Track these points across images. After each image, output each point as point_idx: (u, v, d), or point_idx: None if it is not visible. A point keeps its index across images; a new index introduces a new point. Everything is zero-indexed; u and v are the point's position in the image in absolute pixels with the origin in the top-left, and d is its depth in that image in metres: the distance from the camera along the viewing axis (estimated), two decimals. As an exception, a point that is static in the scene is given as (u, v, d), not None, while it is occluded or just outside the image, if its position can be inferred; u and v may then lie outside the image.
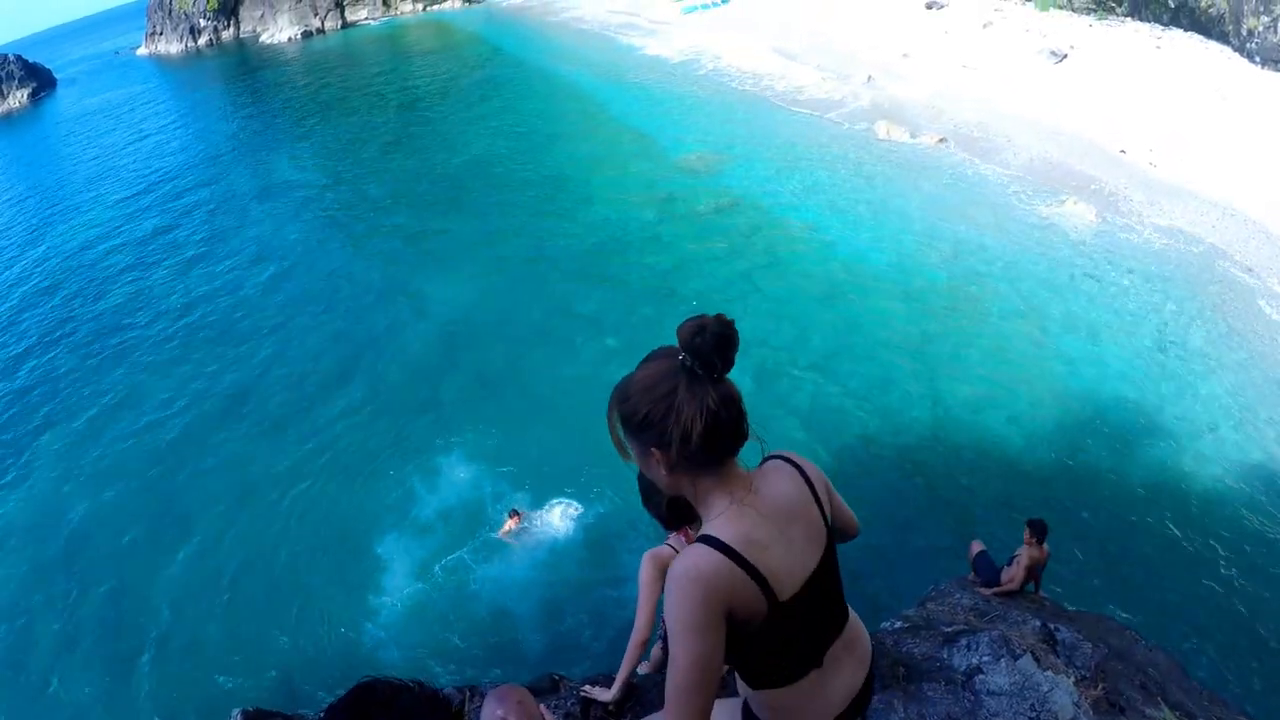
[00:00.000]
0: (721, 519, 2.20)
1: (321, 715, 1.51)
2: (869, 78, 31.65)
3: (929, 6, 36.30)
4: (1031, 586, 9.18)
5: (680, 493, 2.30)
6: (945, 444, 15.80)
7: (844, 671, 2.53)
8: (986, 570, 9.31)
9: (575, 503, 15.80)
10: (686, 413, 2.15)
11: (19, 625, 16.95)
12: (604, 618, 13.41)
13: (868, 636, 2.69)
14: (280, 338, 24.75)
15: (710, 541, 2.14)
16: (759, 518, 2.21)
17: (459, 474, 17.51)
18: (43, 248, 37.46)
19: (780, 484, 2.35)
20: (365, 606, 14.82)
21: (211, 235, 33.68)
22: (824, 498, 2.44)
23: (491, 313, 23.27)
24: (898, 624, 7.48)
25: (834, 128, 28.93)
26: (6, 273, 35.51)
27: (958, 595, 8.59)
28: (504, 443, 18.07)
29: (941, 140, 26.40)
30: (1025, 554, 8.96)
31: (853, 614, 2.63)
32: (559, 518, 15.60)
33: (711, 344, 2.20)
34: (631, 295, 22.50)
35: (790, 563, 2.24)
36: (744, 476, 2.29)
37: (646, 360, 2.32)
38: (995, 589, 8.85)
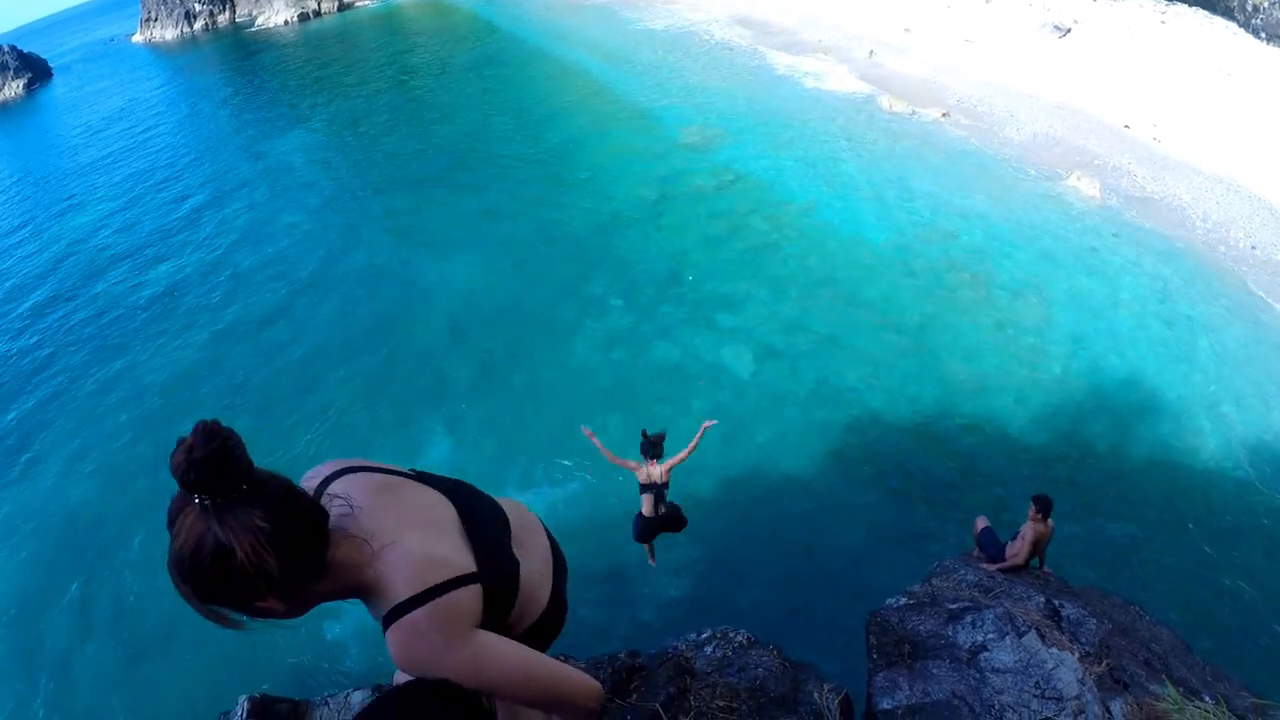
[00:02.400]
0: (398, 573, 2.02)
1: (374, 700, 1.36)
2: (871, 52, 31.48)
3: (930, -20, 36.03)
4: (1036, 562, 9.18)
5: (332, 600, 2.10)
6: (948, 422, 15.78)
7: (532, 550, 2.65)
8: (991, 545, 9.33)
9: (568, 491, 15.91)
10: (245, 553, 1.83)
11: (29, 611, 17.11)
12: (591, 605, 13.45)
13: (518, 504, 2.77)
14: (281, 320, 24.76)
15: (406, 608, 1.99)
16: (409, 541, 2.08)
17: (457, 458, 17.60)
18: (41, 238, 37.42)
19: (378, 495, 2.20)
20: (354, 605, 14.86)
21: (211, 221, 33.60)
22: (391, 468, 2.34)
23: (494, 294, 23.20)
24: (902, 600, 7.49)
25: (836, 102, 28.75)
26: (4, 262, 35.52)
27: (962, 571, 8.60)
28: (505, 428, 18.15)
29: (944, 114, 26.26)
30: (1030, 529, 8.96)
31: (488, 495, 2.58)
32: (552, 505, 15.56)
33: (205, 472, 1.85)
34: (634, 275, 22.42)
35: (453, 539, 2.19)
36: (358, 535, 2.07)
37: (171, 524, 1.95)
38: (999, 564, 8.87)
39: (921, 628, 6.21)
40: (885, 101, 27.33)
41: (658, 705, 5.28)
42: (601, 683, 5.88)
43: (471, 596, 2.07)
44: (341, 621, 14.25)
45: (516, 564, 2.39)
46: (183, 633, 15.34)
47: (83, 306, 29.09)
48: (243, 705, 6.20)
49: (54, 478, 20.79)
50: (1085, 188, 21.43)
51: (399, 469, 2.36)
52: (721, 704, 5.39)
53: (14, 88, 79.23)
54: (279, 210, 32.89)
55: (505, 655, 2.10)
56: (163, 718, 14.13)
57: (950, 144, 24.63)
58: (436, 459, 17.77)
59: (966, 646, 5.70)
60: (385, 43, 56.34)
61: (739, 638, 6.47)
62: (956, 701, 5.22)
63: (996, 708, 5.20)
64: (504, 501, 2.63)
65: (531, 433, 17.86)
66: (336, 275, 26.58)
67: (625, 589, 13.73)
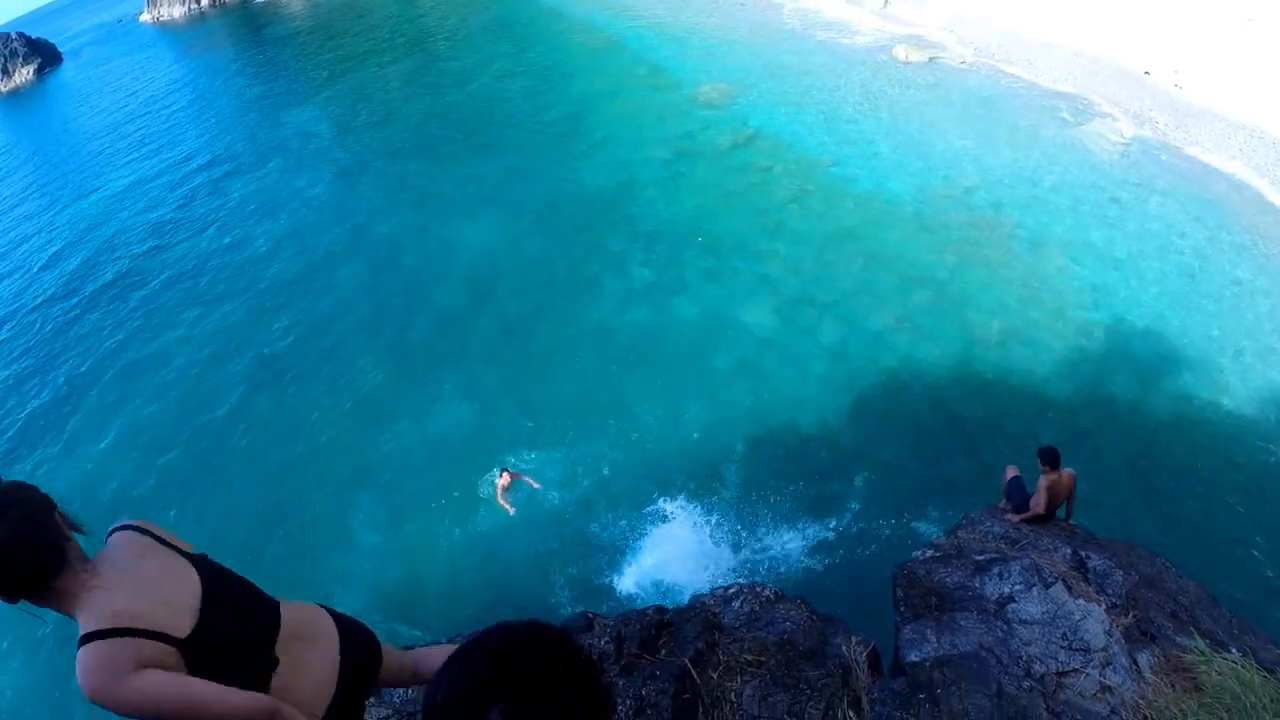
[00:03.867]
0: (91, 610, 2.35)
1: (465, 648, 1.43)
2: (885, 3, 30.98)
3: (945, -73, 35.36)
4: (1063, 513, 9.19)
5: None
6: (973, 376, 15.73)
7: (307, 659, 2.82)
8: (1018, 495, 9.36)
9: (585, 451, 15.93)
10: None
11: None
12: (579, 582, 13.56)
13: (327, 619, 3.00)
14: (301, 286, 25.00)
15: (90, 639, 2.31)
16: (119, 591, 2.41)
17: (475, 418, 17.77)
18: (60, 220, 37.63)
19: (128, 550, 2.53)
20: (352, 553, 15.25)
21: (229, 194, 33.71)
22: (174, 542, 2.67)
23: (513, 256, 23.27)
24: (929, 553, 7.56)
25: (851, 53, 28.47)
26: (23, 247, 35.82)
27: (989, 523, 8.63)
28: (524, 389, 18.29)
29: (961, 63, 25.93)
30: (1043, 480, 8.98)
31: (298, 604, 2.93)
32: (559, 478, 15.59)
33: None
34: (653, 233, 22.41)
35: (172, 605, 2.47)
36: (83, 573, 2.41)
37: None
38: (1023, 515, 8.90)
39: (949, 580, 6.25)
40: (901, 51, 26.97)
41: (686, 660, 5.34)
42: (629, 639, 5.95)
43: (152, 649, 2.35)
44: (353, 590, 14.54)
45: (271, 662, 2.68)
46: None
47: (101, 283, 29.35)
48: None
49: (74, 450, 21.14)
50: (1106, 136, 21.15)
51: (181, 546, 2.71)
52: (750, 658, 5.46)
53: (24, 74, 78.99)
54: (297, 180, 32.97)
55: (167, 687, 2.35)
56: None
57: (968, 93, 24.33)
58: (455, 419, 17.98)
59: (994, 598, 5.74)
60: (395, 11, 55.95)
61: (766, 592, 6.54)
62: (984, 653, 5.27)
63: (1024, 659, 5.25)
64: (301, 611, 2.93)
65: (550, 393, 17.96)
66: (356, 241, 26.75)
67: (646, 546, 13.83)
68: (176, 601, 2.50)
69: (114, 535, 2.61)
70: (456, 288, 22.61)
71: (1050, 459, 8.95)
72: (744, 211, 22.28)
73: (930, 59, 26.32)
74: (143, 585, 2.47)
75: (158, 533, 2.66)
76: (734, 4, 36.26)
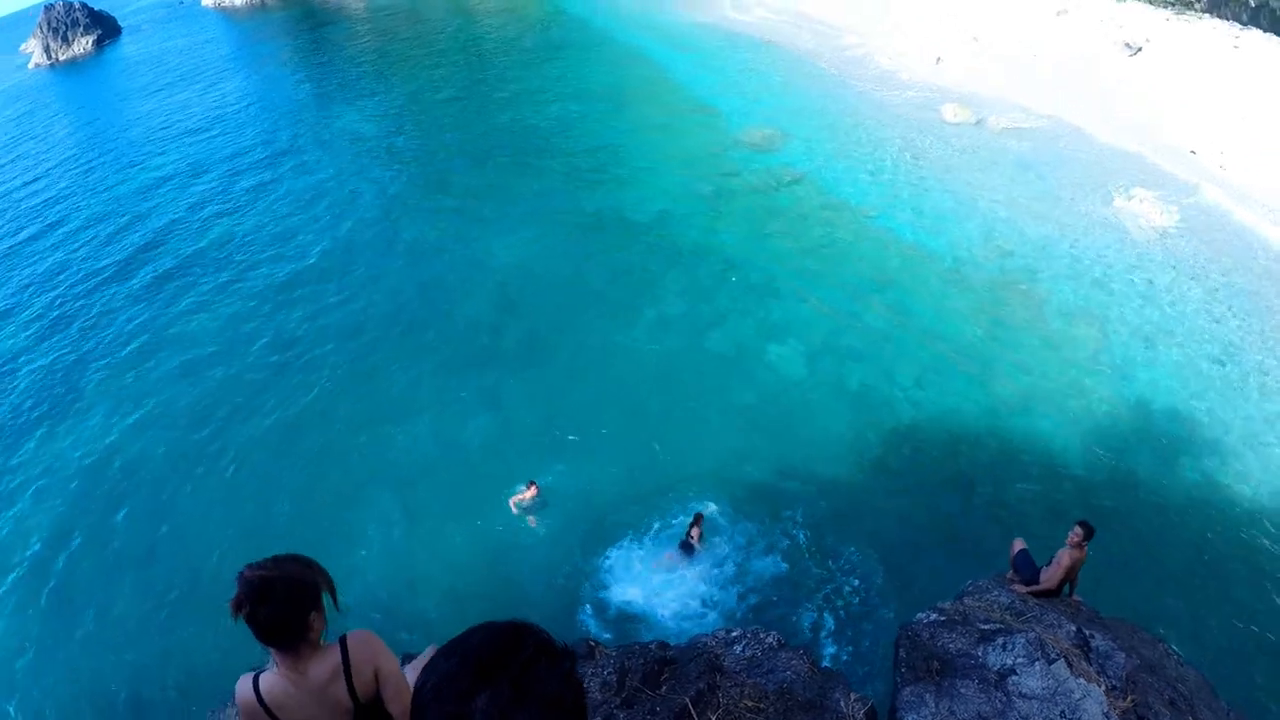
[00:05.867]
0: (269, 675, 3.32)
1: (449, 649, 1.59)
2: (938, 59, 31.15)
3: (1000, -12, 35.51)
4: (1067, 589, 9.22)
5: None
6: (991, 439, 15.77)
7: None
8: (1026, 568, 9.38)
9: (594, 482, 15.99)
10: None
11: (73, 554, 17.73)
12: (583, 601, 13.68)
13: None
14: (334, 280, 25.42)
15: (253, 683, 3.34)
16: (292, 689, 3.29)
17: (492, 431, 17.96)
18: (101, 191, 38.29)
19: (314, 674, 3.30)
20: (359, 548, 15.48)
21: (271, 184, 34.28)
22: (367, 682, 3.35)
23: (547, 272, 23.53)
24: (933, 616, 7.59)
25: (900, 107, 28.57)
26: (66, 212, 36.36)
27: (995, 592, 8.67)
28: (543, 407, 18.45)
29: (1008, 127, 25.98)
30: (1067, 555, 9.01)
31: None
32: (575, 495, 15.71)
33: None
34: (688, 269, 22.60)
35: (311, 718, 3.33)
36: (293, 659, 3.28)
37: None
38: (1032, 588, 8.92)
39: (951, 645, 6.32)
40: (949, 110, 27.09)
41: (688, 700, 5.42)
42: (633, 672, 6.03)
43: None
44: (355, 588, 14.63)
45: None
46: (206, 575, 16.05)
47: (136, 259, 29.84)
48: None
49: (101, 414, 21.61)
50: (1147, 211, 21.13)
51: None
52: (750, 704, 5.52)
53: (84, 44, 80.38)
54: (340, 177, 33.53)
55: None
56: (206, 663, 14.49)
57: (1012, 158, 24.40)
58: (476, 424, 18.30)
59: (995, 669, 5.81)
60: (453, 21, 56.57)
61: (769, 639, 6.60)
62: (982, 723, 5.32)
63: (1021, 733, 5.30)
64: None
65: (573, 411, 18.17)
66: (393, 243, 27.23)
67: (653, 574, 13.93)
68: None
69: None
70: (488, 298, 22.96)
71: (1088, 534, 8.98)
72: (780, 253, 22.47)
73: (978, 120, 26.42)
74: (304, 696, 3.37)
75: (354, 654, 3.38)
76: (785, 47, 36.44)
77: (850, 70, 32.41)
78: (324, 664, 3.31)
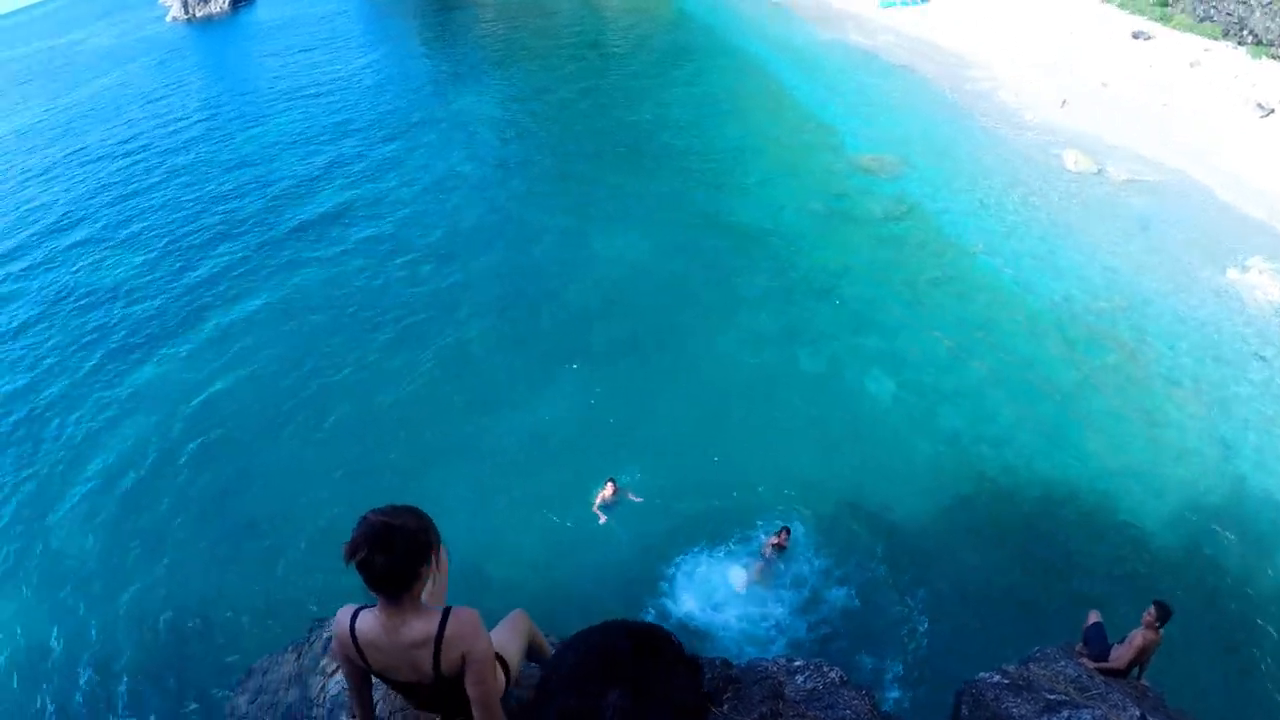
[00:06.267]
0: (369, 614, 3.53)
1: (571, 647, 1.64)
2: (1064, 101, 30.50)
3: (1135, 36, 34.46)
4: (1136, 671, 9.09)
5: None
6: (1074, 501, 15.51)
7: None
8: (1097, 643, 9.28)
9: (673, 488, 16.13)
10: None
11: (148, 487, 18.66)
12: (657, 609, 13.79)
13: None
14: (439, 260, 26.13)
15: (352, 616, 3.57)
16: (384, 636, 3.45)
17: (579, 426, 18.25)
18: (226, 148, 39.87)
19: (407, 632, 3.43)
20: (452, 542, 15.68)
21: (387, 158, 35.33)
22: (452, 662, 3.44)
23: (651, 274, 23.87)
24: (996, 678, 7.58)
25: (1021, 148, 28.08)
26: (191, 164, 37.99)
27: (1062, 663, 8.60)
28: (631, 408, 18.71)
29: (1130, 179, 25.32)
30: (1140, 635, 8.89)
31: None
32: (652, 498, 15.87)
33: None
34: (791, 286, 22.72)
35: (396, 668, 3.53)
36: (393, 609, 3.43)
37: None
38: (1100, 665, 8.82)
39: (1015, 711, 6.34)
40: (1071, 157, 26.51)
41: None
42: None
43: None
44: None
45: None
46: (307, 533, 16.59)
47: (255, 215, 31.12)
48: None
49: (195, 361, 22.62)
50: (1266, 284, 20.38)
51: None
52: None
53: (220, 3, 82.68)
54: (456, 157, 34.33)
55: None
56: (271, 606, 15.21)
57: (1131, 212, 23.79)
58: (561, 414, 18.67)
59: (1057, 744, 5.82)
60: (580, 16, 57.15)
61: (832, 674, 6.60)
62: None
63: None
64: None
65: (661, 413, 18.46)
66: (501, 227, 27.88)
67: (718, 588, 14.09)
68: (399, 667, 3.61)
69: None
70: (588, 291, 23.41)
71: (1164, 615, 8.84)
72: (885, 282, 22.38)
73: (1099, 169, 25.79)
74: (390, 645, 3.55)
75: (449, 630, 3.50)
76: (908, 74, 36.03)
77: (973, 104, 31.94)
78: (420, 626, 3.43)
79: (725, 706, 5.54)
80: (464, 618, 3.45)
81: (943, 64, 36.27)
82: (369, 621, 3.49)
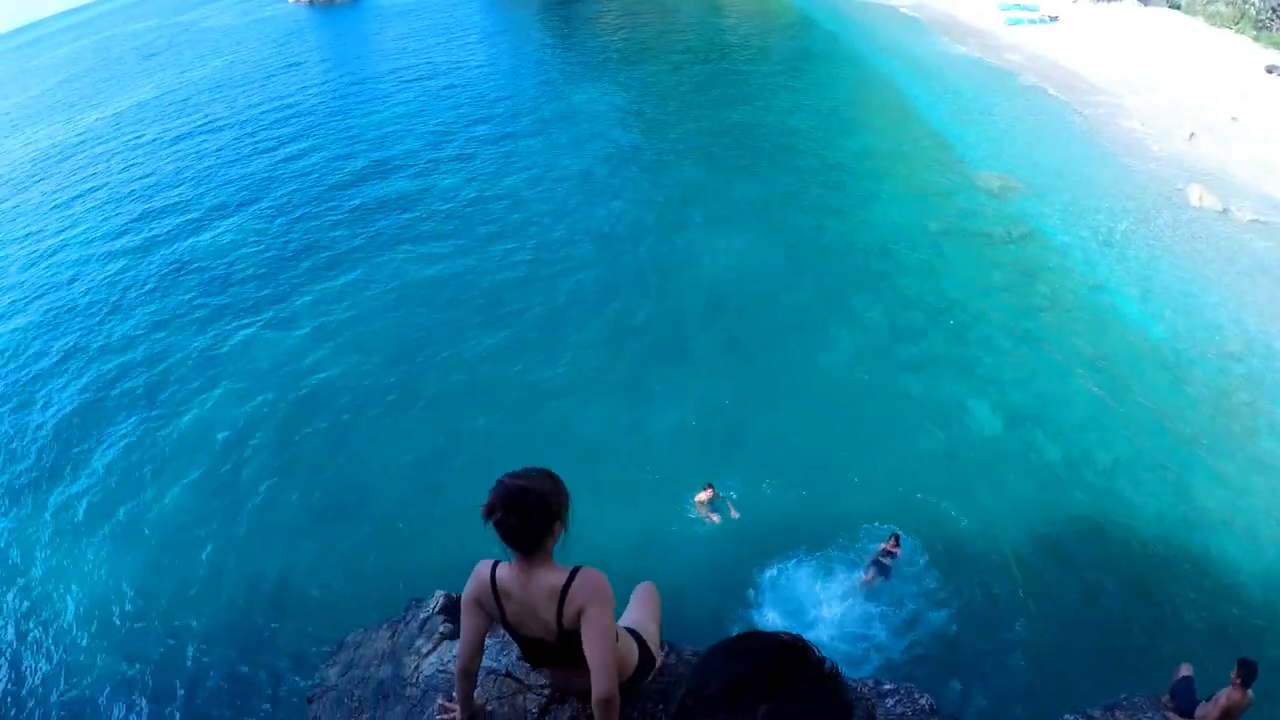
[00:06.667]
0: (507, 565, 3.84)
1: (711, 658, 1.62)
2: (1191, 134, 29.64)
3: (1270, 70, 33.13)
4: None
5: None
6: (1177, 551, 15.27)
7: (568, 679, 4.28)
8: (1184, 697, 9.36)
9: (769, 498, 16.35)
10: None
11: (248, 458, 19.57)
12: (745, 619, 14.03)
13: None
14: (543, 253, 26.77)
15: (492, 567, 3.88)
16: (517, 586, 3.77)
17: (677, 425, 18.52)
18: (343, 130, 41.40)
19: (537, 584, 3.75)
20: None
21: (500, 145, 36.26)
22: (571, 615, 3.71)
23: (757, 282, 24.02)
24: None
25: (1144, 179, 27.41)
26: (307, 143, 39.62)
27: (1149, 714, 8.82)
28: (731, 412, 18.98)
29: (1255, 220, 24.54)
30: (1226, 695, 8.92)
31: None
32: (752, 506, 16.08)
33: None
34: (901, 302, 22.70)
35: (525, 620, 3.85)
36: (526, 565, 3.75)
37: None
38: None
39: (1098, 761, 6.65)
40: (1196, 193, 25.80)
41: None
42: None
43: None
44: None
45: None
46: (404, 513, 17.32)
47: (368, 194, 32.48)
48: (438, 598, 7.26)
49: (303, 335, 23.59)
50: (1397, 344, 19.65)
51: None
52: None
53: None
54: (570, 149, 34.97)
55: None
56: (363, 581, 15.87)
57: (1257, 255, 23.03)
58: (662, 415, 18.96)
59: (1139, 799, 6.13)
60: (701, 18, 57.27)
61: (923, 701, 6.72)
62: None
63: None
64: None
65: (760, 422, 18.60)
66: (609, 223, 28.33)
67: (807, 602, 14.34)
68: (527, 618, 3.93)
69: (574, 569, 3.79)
70: (692, 293, 23.74)
71: (1249, 675, 8.83)
72: (997, 307, 22.22)
73: (1224, 209, 25.03)
74: (521, 597, 3.88)
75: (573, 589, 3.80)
76: (1031, 95, 35.36)
77: (1097, 130, 31.27)
78: (548, 580, 3.73)
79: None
80: (590, 575, 3.75)
81: (1067, 86, 35.54)
82: (506, 573, 3.82)
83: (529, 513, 3.58)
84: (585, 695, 4.18)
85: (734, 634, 1.64)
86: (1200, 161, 28.01)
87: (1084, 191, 27.15)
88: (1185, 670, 9.78)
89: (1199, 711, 9.01)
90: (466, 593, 3.94)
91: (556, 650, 3.93)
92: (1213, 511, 16.01)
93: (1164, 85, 33.82)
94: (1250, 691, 8.92)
